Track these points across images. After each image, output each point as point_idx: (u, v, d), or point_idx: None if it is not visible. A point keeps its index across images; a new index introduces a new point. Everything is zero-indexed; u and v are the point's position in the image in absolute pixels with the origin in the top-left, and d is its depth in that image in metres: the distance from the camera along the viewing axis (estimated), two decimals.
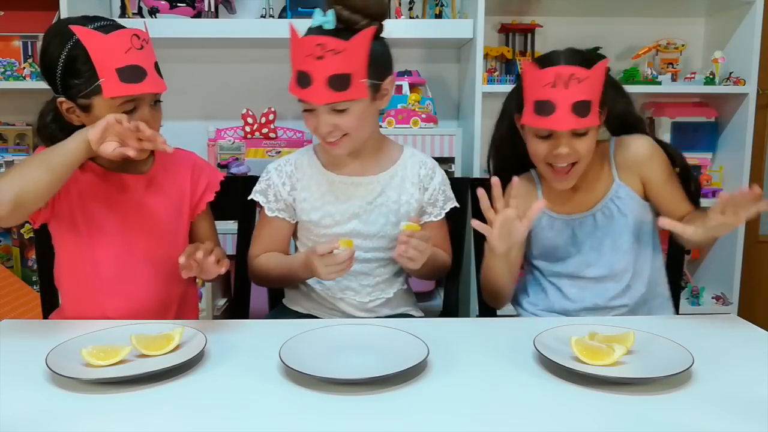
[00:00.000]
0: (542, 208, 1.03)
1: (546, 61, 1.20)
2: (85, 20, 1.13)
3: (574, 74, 1.14)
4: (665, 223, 1.10)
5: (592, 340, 0.96)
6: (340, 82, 1.12)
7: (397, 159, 1.32)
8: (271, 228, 1.34)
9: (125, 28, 1.12)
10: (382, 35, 1.22)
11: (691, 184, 1.32)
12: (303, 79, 1.15)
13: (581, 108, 1.15)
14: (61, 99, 1.15)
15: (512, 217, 1.12)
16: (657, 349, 0.95)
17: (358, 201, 1.28)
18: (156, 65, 1.15)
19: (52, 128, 1.20)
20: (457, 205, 1.36)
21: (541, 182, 1.35)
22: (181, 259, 1.06)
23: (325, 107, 1.17)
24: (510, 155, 1.35)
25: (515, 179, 1.32)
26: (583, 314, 1.29)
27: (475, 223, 1.12)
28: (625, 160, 1.29)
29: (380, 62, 1.20)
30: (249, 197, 1.36)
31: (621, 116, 1.31)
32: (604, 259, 1.29)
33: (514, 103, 1.30)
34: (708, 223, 1.08)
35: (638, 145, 1.29)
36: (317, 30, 1.15)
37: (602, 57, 1.21)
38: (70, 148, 1.07)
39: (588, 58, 1.19)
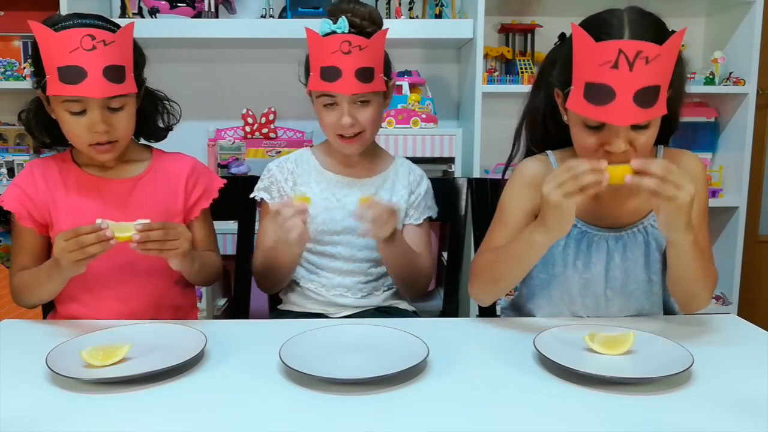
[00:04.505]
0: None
1: (604, 28, 0.96)
2: (71, 17, 1.13)
3: (642, 51, 0.89)
4: None
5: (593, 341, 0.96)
6: (365, 75, 1.21)
7: (389, 165, 1.40)
8: (276, 223, 1.33)
9: (97, 27, 1.10)
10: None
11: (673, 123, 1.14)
12: (330, 74, 1.21)
13: (647, 96, 0.91)
14: (40, 91, 1.17)
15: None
16: (657, 349, 0.95)
17: (353, 199, 1.31)
18: (112, 69, 1.09)
19: (32, 116, 1.22)
20: (433, 216, 1.41)
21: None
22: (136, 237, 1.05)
23: (351, 99, 1.24)
24: (550, 130, 1.18)
25: (525, 165, 1.19)
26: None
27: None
28: None
29: (387, 63, 1.32)
30: (251, 195, 1.39)
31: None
32: (616, 284, 1.15)
33: (555, 75, 1.10)
34: None
35: (689, 162, 1.12)
36: (333, 33, 1.23)
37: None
38: (48, 284, 1.13)
39: (658, 24, 0.98)
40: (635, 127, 0.98)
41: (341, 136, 1.28)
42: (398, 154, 2.01)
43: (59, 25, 1.09)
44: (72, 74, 1.06)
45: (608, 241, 1.14)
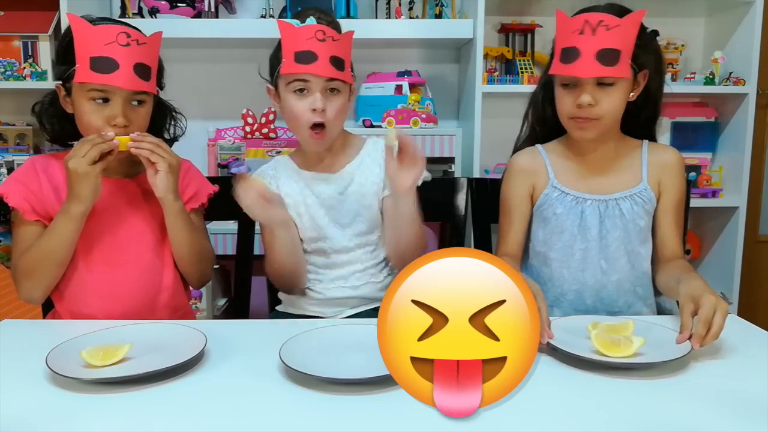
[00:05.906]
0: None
1: (581, 11, 1.18)
2: (107, 19, 1.19)
3: (603, 21, 1.12)
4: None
5: (610, 333, 0.97)
6: (338, 63, 1.25)
7: (361, 148, 1.39)
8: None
9: (128, 26, 1.15)
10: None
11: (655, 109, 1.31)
12: (306, 57, 1.23)
13: (607, 56, 1.12)
14: (59, 84, 1.20)
15: None
16: (656, 336, 0.97)
17: (331, 193, 1.34)
18: (141, 67, 1.15)
19: (45, 107, 1.25)
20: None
21: (549, 158, 1.31)
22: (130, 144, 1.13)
23: (324, 85, 1.25)
24: (546, 110, 1.32)
25: (515, 158, 1.34)
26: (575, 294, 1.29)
27: None
28: (652, 163, 1.27)
29: (351, 64, 1.33)
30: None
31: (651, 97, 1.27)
32: (609, 252, 1.26)
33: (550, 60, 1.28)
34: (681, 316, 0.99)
35: (670, 153, 1.29)
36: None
37: None
38: (63, 231, 1.14)
39: (625, 11, 1.17)
40: (601, 87, 1.17)
41: (310, 127, 1.26)
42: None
43: (97, 21, 1.15)
44: (104, 65, 1.11)
45: (599, 207, 1.26)
